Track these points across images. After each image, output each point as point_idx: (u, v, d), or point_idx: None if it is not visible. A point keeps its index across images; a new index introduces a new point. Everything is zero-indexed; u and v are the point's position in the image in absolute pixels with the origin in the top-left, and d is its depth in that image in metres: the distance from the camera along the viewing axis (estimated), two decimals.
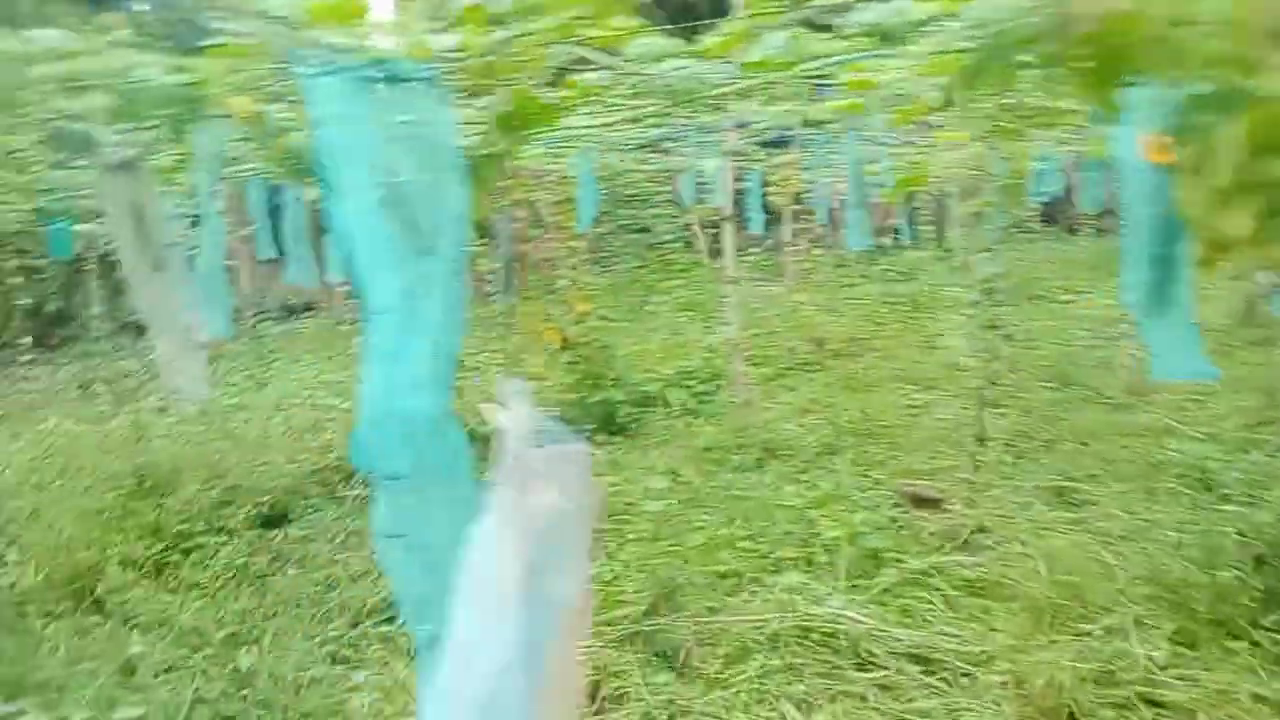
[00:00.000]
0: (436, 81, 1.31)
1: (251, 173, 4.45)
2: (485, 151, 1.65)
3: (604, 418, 6.27)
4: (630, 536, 4.19)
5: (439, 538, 1.36)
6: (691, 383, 7.06)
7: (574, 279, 6.61)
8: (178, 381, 2.88)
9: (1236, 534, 3.68)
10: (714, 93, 2.19)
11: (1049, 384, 6.63)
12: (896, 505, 4.50)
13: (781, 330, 8.53)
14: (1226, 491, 4.34)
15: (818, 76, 2.45)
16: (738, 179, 9.88)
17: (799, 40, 2.06)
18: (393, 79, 1.26)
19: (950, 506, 4.44)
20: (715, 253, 15.72)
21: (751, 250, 10.99)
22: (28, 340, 8.61)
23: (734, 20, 1.82)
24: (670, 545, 3.96)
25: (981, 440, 4.66)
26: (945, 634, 3.29)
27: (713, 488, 4.95)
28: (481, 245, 6.58)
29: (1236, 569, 3.31)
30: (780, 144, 7.71)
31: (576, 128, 3.65)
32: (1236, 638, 3.08)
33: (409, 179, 1.30)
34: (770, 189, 8.71)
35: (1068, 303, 9.77)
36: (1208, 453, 4.82)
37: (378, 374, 1.30)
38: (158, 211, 2.57)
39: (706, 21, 1.90)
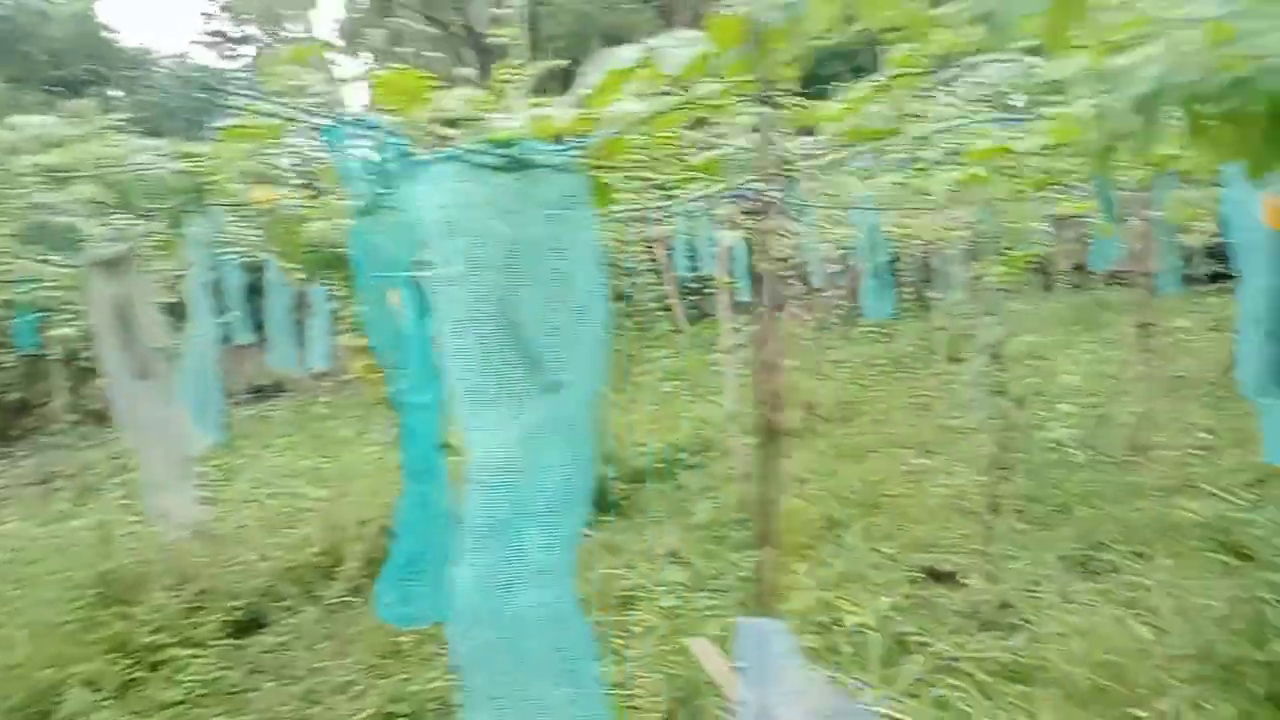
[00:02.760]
0: (573, 166, 1.07)
1: (233, 257, 4.25)
2: None
3: (595, 495, 6.03)
4: (637, 631, 3.93)
5: None
6: (683, 455, 6.84)
7: None
8: (165, 504, 2.61)
9: (1276, 600, 3.50)
10: (808, 164, 2.04)
11: (1050, 444, 6.49)
12: (913, 582, 4.28)
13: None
14: (1248, 552, 4.18)
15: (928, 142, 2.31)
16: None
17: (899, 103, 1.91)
18: (520, 165, 1.03)
19: (967, 581, 4.22)
20: (694, 319, 15.65)
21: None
22: None
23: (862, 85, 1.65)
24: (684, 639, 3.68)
25: (996, 508, 4.47)
26: None
27: (717, 569, 4.71)
28: None
29: None
30: (765, 209, 7.66)
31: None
32: None
33: (531, 291, 1.03)
34: (756, 254, 8.64)
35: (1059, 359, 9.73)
36: (1223, 511, 4.67)
37: (476, 555, 1.02)
38: (147, 313, 2.34)
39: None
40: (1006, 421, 4.29)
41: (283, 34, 30.61)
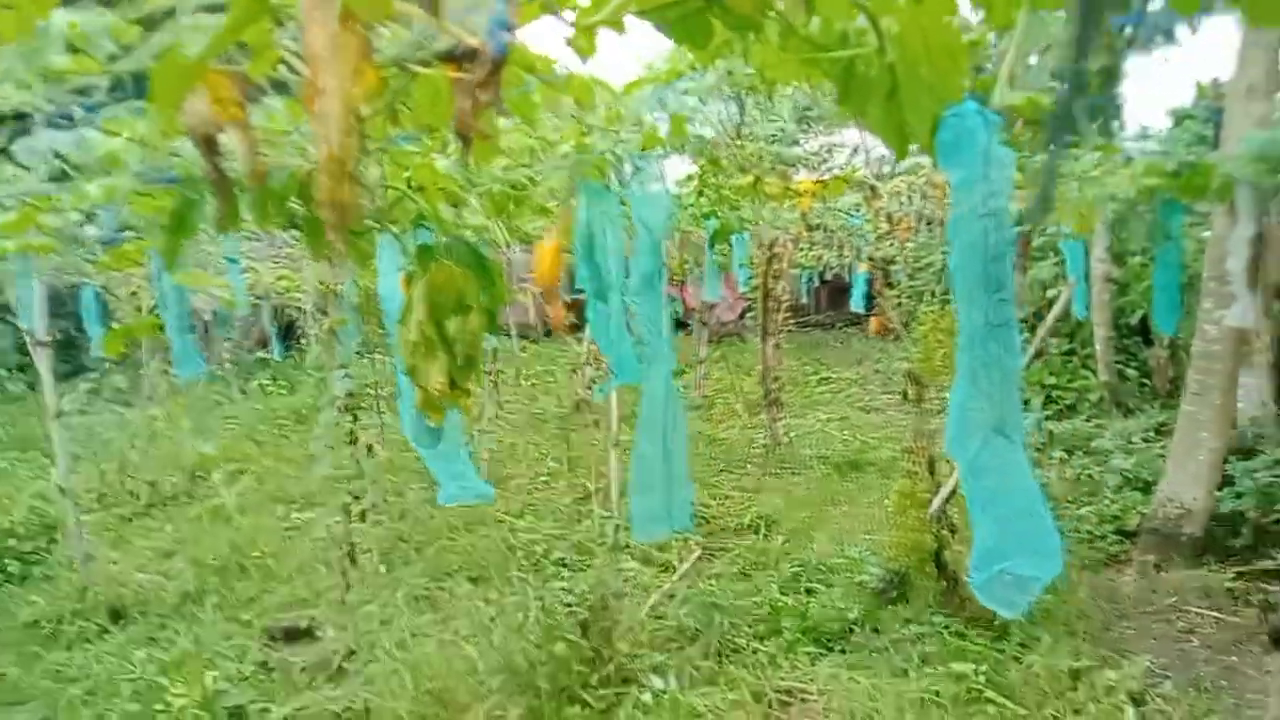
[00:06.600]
0: None
1: None
2: None
3: None
4: None
5: None
6: (12, 542, 5.74)
7: None
8: None
9: (566, 605, 4.22)
10: None
11: (422, 485, 6.96)
12: (267, 646, 4.19)
13: (140, 462, 7.48)
14: (560, 566, 4.99)
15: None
16: (71, 290, 8.53)
17: None
18: None
19: (323, 635, 4.28)
20: (63, 375, 13.32)
21: (91, 375, 9.48)
22: None
23: None
24: None
25: (352, 557, 4.61)
26: None
27: (37, 674, 4.02)
28: None
29: (568, 638, 3.77)
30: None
31: None
32: (573, 703, 3.49)
33: None
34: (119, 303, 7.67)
35: None
36: (547, 531, 5.51)
37: None
38: None
39: None
40: (355, 468, 4.47)
41: None
